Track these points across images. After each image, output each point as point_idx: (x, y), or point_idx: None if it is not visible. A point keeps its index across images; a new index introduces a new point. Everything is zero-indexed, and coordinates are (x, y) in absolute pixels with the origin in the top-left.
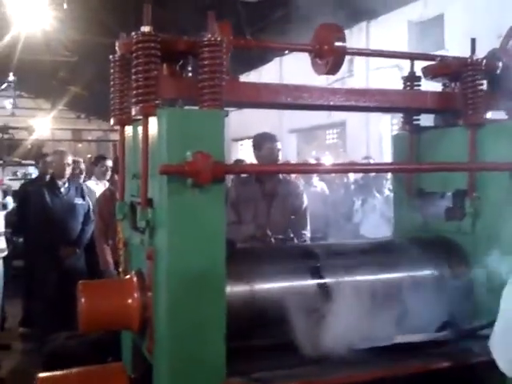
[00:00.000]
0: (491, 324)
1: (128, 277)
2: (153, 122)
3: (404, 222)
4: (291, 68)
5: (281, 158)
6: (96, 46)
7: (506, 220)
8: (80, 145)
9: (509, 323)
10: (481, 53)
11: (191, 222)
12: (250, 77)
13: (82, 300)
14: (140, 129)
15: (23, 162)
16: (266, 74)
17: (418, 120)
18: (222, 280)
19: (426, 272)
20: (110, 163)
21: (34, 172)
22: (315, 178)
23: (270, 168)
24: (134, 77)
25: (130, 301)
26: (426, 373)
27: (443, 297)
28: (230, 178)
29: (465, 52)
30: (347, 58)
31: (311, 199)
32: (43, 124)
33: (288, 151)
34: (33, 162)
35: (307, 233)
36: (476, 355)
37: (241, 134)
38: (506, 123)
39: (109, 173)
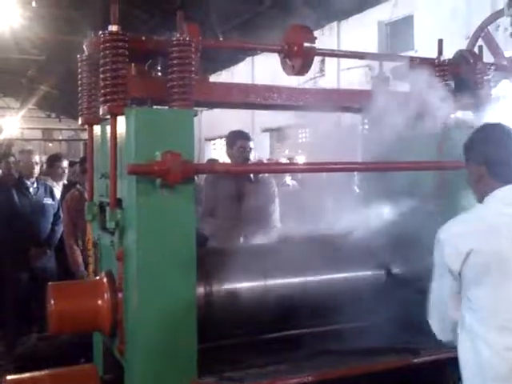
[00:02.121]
0: None
1: (98, 278)
2: (121, 121)
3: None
4: (263, 68)
5: (253, 157)
6: (65, 45)
7: None
8: (51, 144)
9: (436, 298)
10: (449, 54)
11: (161, 223)
12: (221, 76)
13: (52, 302)
14: (108, 128)
15: None
16: (238, 73)
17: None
18: (192, 280)
19: None
20: (65, 164)
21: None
22: (288, 178)
23: (240, 168)
24: (101, 76)
25: (100, 302)
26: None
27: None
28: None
29: (434, 52)
30: (318, 57)
31: (284, 198)
32: (12, 123)
33: (261, 150)
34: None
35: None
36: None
37: (213, 133)
38: (470, 121)
39: (65, 174)
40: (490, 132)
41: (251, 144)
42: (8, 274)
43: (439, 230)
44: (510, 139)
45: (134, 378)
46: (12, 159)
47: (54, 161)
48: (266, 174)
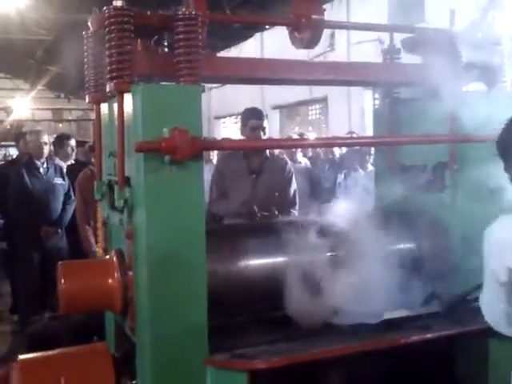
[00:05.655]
0: (471, 291)
1: (108, 257)
2: (128, 98)
3: (385, 196)
4: (272, 44)
5: (266, 135)
6: (72, 24)
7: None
8: (61, 125)
9: (493, 282)
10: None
11: (169, 200)
12: (230, 53)
13: (62, 281)
14: (115, 106)
15: (3, 143)
16: (247, 50)
17: (398, 93)
18: (202, 257)
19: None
20: (73, 142)
21: (14, 153)
22: (299, 154)
23: (249, 143)
24: (107, 53)
25: (110, 281)
26: (408, 346)
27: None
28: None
29: (445, 24)
30: (328, 32)
31: (295, 175)
32: (22, 104)
33: (271, 127)
34: (12, 143)
35: (295, 212)
36: (457, 326)
37: (223, 111)
38: (484, 93)
39: (74, 153)
40: None
41: (264, 123)
42: (20, 254)
43: (488, 228)
44: None
45: (146, 356)
46: (27, 139)
47: (61, 140)
48: (280, 155)
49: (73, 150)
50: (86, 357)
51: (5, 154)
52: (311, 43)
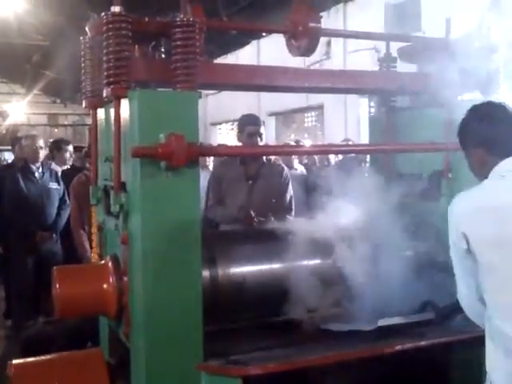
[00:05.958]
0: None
1: (103, 262)
2: (124, 104)
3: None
4: (269, 51)
5: (263, 142)
6: (69, 29)
7: None
8: (56, 130)
9: (459, 257)
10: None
11: (165, 206)
12: (226, 60)
13: (57, 285)
14: (112, 111)
15: None
16: (243, 57)
17: (394, 101)
18: (197, 263)
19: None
20: (71, 148)
21: (9, 158)
22: (295, 161)
23: (245, 150)
24: (104, 58)
25: (105, 286)
26: (403, 353)
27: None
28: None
29: (441, 33)
30: (324, 40)
31: (291, 181)
32: (18, 109)
33: (267, 134)
34: (7, 148)
35: (291, 218)
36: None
37: (219, 118)
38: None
39: (71, 158)
40: (482, 111)
41: (261, 129)
42: (15, 259)
43: (450, 204)
44: (504, 113)
45: (140, 362)
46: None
47: (58, 144)
48: (277, 161)
49: (71, 156)
50: (80, 362)
51: (0, 159)
52: (308, 51)
